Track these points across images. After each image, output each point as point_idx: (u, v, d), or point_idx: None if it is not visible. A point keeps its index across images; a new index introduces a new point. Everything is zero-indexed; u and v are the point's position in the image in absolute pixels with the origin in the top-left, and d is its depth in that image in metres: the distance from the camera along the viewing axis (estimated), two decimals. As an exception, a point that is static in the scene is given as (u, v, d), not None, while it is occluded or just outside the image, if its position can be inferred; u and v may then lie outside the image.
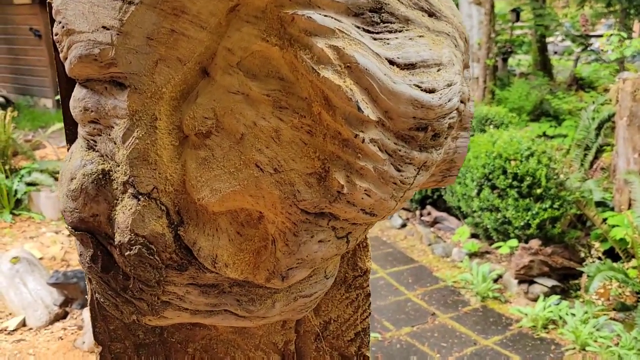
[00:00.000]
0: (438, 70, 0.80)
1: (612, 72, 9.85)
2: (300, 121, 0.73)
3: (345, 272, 1.03)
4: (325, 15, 0.72)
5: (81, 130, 0.80)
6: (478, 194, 5.95)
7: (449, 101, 0.81)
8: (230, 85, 0.74)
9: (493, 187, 5.86)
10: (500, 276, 5.51)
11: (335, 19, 0.72)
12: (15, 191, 6.65)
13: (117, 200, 0.77)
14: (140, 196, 0.74)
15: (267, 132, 0.73)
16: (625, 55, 7.53)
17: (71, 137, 0.85)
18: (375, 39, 0.76)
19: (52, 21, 0.80)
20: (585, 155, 7.01)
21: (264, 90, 0.73)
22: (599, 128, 7.13)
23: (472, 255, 5.98)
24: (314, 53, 0.71)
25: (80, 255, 0.81)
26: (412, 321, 4.85)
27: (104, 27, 0.72)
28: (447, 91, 0.81)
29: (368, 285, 1.06)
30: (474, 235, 6.31)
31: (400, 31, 0.79)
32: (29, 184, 6.80)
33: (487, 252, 6.04)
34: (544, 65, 11.83)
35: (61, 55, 0.78)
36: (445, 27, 0.86)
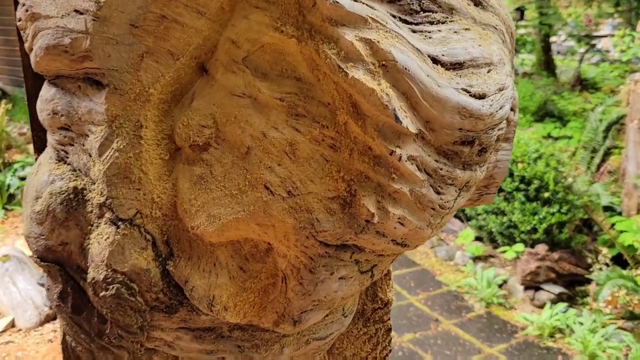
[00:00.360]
0: (488, 71, 0.66)
1: (620, 74, 9.70)
2: (322, 133, 0.58)
3: (364, 304, 0.89)
4: (356, 0, 0.57)
5: (50, 138, 0.66)
6: (483, 196, 5.79)
7: (500, 109, 0.66)
8: (235, 86, 0.59)
9: (499, 190, 5.73)
10: (505, 281, 5.36)
11: (367, 5, 0.58)
12: (9, 186, 6.49)
13: (92, 226, 0.62)
14: (119, 222, 0.60)
15: (279, 146, 0.58)
16: (638, 56, 7.37)
17: (40, 145, 0.70)
18: (414, 31, 0.62)
19: (16, 4, 0.65)
20: (592, 157, 6.86)
21: (277, 93, 0.58)
22: (607, 130, 6.97)
23: (476, 259, 5.84)
24: (341, 47, 0.56)
25: (48, 289, 0.66)
26: (414, 327, 4.71)
27: (76, 11, 0.57)
28: (498, 97, 0.66)
29: (389, 319, 0.91)
30: (477, 239, 6.16)
31: (443, 22, 0.65)
32: (22, 179, 6.63)
33: (492, 256, 5.90)
34: (547, 65, 11.67)
35: (26, 45, 0.64)
36: (492, 19, 0.72)
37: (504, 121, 0.71)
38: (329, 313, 0.73)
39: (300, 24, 0.57)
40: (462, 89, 0.61)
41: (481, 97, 0.63)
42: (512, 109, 0.75)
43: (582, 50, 11.44)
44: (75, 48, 0.58)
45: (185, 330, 0.65)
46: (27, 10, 0.60)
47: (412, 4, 0.62)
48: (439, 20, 0.64)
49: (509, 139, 0.85)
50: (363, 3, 0.58)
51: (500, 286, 5.36)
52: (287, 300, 0.64)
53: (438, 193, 0.65)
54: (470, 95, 0.62)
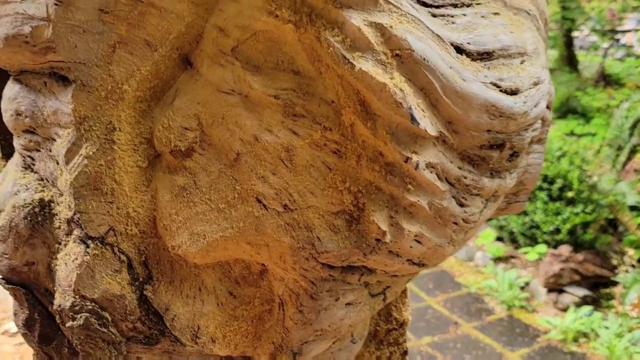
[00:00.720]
0: (522, 63, 0.56)
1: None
2: (323, 136, 0.49)
3: (377, 324, 0.80)
4: (364, -22, 0.48)
5: (16, 143, 0.57)
6: (504, 195, 5.65)
7: (535, 106, 0.57)
8: (222, 81, 0.50)
9: (520, 189, 5.57)
10: (527, 284, 5.21)
11: (378, -16, 0.48)
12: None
13: (60, 244, 0.54)
14: (89, 241, 0.51)
15: (274, 152, 0.49)
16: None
17: (8, 151, 0.62)
18: (435, 15, 0.52)
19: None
20: (617, 155, 6.64)
21: (271, 89, 0.49)
22: (633, 127, 6.75)
23: (496, 260, 5.69)
24: (347, 34, 0.47)
25: (15, 315, 0.58)
26: (433, 330, 4.59)
27: (33, -4, 0.49)
28: (533, 92, 0.56)
29: (404, 341, 0.82)
30: (498, 239, 6.00)
31: (468, 5, 0.55)
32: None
33: (513, 257, 5.74)
34: (570, 61, 11.42)
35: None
36: (524, 3, 0.62)
37: (539, 120, 0.61)
38: (335, 341, 0.64)
39: (298, 6, 0.48)
40: (491, 83, 0.52)
41: (513, 92, 0.54)
42: (547, 107, 0.65)
43: (606, 45, 11.18)
44: (37, 38, 0.50)
45: (169, 362, 0.57)
46: (-15, -4, 0.52)
47: (432, -17, 0.53)
48: (463, 3, 0.55)
49: (542, 140, 0.75)
50: (373, -19, 0.48)
51: (522, 288, 5.21)
52: (285, 330, 0.55)
53: (461, 205, 0.56)
54: (501, 91, 0.53)
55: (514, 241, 5.87)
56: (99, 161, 0.51)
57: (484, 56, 0.52)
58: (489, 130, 0.53)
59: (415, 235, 0.52)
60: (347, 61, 0.46)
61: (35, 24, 0.49)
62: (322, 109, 0.49)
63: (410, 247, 0.53)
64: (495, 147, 0.55)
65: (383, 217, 0.50)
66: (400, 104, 0.46)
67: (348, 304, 0.56)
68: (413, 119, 0.47)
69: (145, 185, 0.53)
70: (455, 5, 0.54)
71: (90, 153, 0.50)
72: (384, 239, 0.50)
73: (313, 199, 0.50)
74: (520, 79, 0.54)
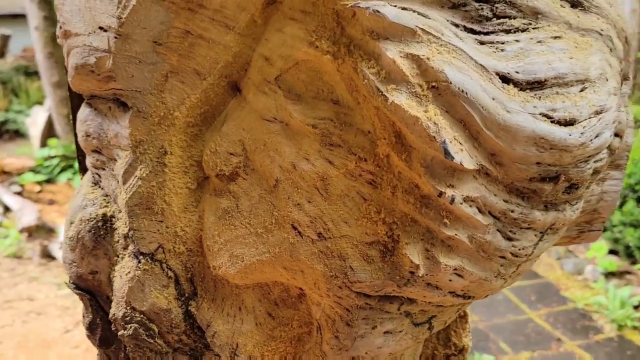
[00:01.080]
0: (581, 90, 0.52)
1: None
2: (359, 166, 0.49)
3: (434, 349, 0.78)
4: (404, 9, 0.47)
5: (87, 160, 0.63)
6: (620, 206, 5.24)
7: (595, 137, 0.53)
8: (265, 109, 0.52)
9: (639, 200, 5.14)
10: (642, 302, 4.81)
11: (418, 13, 0.48)
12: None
13: (118, 257, 0.58)
14: (140, 257, 0.55)
15: (310, 180, 0.50)
16: None
17: (84, 166, 0.68)
18: (482, 43, 0.50)
19: (60, 19, 0.63)
20: None
21: (310, 118, 0.50)
22: None
23: (608, 275, 5.30)
24: (382, 66, 0.46)
25: (83, 317, 0.64)
26: (532, 345, 4.37)
27: (100, 28, 0.53)
28: (594, 122, 0.52)
29: (465, 368, 0.79)
30: (612, 252, 5.59)
31: (524, 30, 0.52)
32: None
33: (628, 273, 5.32)
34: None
35: (65, 63, 0.61)
36: (596, 23, 0.58)
37: (604, 151, 0.57)
38: (380, 365, 0.64)
39: (337, 37, 0.49)
40: (540, 114, 0.49)
41: (568, 123, 0.50)
42: (617, 135, 0.60)
43: None
44: (100, 68, 0.54)
45: (214, 374, 0.59)
46: (60, 28, 0.57)
47: (482, 9, 0.51)
48: (517, 28, 0.52)
49: (620, 166, 0.70)
50: (414, 11, 0.48)
51: (635, 307, 4.81)
52: (322, 353, 0.56)
53: (509, 239, 0.53)
54: (553, 122, 0.50)
55: (629, 255, 5.44)
56: (151, 182, 0.54)
57: (535, 85, 0.50)
58: (538, 163, 0.50)
59: (455, 269, 0.51)
60: (380, 93, 0.46)
61: (99, 55, 0.54)
62: (358, 139, 0.49)
63: (450, 280, 0.52)
64: (547, 180, 0.52)
65: (417, 250, 0.49)
66: (434, 137, 0.45)
67: (387, 332, 0.56)
68: (447, 153, 0.45)
69: (194, 206, 0.56)
70: (507, 31, 0.51)
71: (144, 175, 0.54)
72: (417, 272, 0.49)
73: (347, 229, 0.50)
74: (577, 109, 0.51)
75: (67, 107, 5.57)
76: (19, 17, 7.95)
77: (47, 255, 4.70)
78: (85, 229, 0.58)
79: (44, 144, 6.16)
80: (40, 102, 7.08)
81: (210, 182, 0.55)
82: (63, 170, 5.90)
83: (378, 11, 0.46)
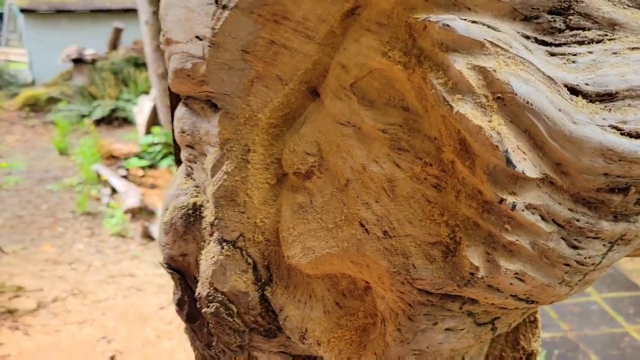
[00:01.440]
0: (656, 103, 0.52)
1: None
2: (424, 170, 0.52)
3: (502, 351, 0.79)
4: (474, 22, 0.50)
5: (182, 154, 0.70)
6: None
7: (670, 150, 0.52)
8: (340, 113, 0.56)
9: None
10: None
11: (488, 27, 0.50)
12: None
13: (204, 242, 0.65)
14: (224, 243, 0.61)
15: (378, 181, 0.54)
16: None
17: (179, 158, 0.75)
18: (553, 55, 0.51)
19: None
20: None
21: (380, 124, 0.53)
22: None
23: None
24: (450, 76, 0.49)
25: (174, 294, 0.71)
26: (628, 360, 4.14)
27: (197, 37, 0.60)
28: (668, 135, 0.52)
29: (533, 372, 0.80)
30: None
31: (598, 42, 0.53)
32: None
33: None
34: None
35: (167, 66, 0.68)
36: (681, 32, 0.56)
37: (681, 164, 0.56)
38: (443, 361, 0.66)
39: (409, 49, 0.52)
40: (610, 126, 0.49)
41: (638, 136, 0.50)
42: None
43: None
44: (195, 72, 0.60)
45: (285, 355, 0.65)
46: (164, 36, 0.64)
47: (554, 21, 0.52)
48: (592, 40, 0.53)
49: None
50: (484, 24, 0.50)
51: None
52: (385, 344, 0.59)
53: (574, 247, 0.54)
54: (623, 134, 0.50)
55: None
56: (235, 177, 0.60)
57: (605, 97, 0.50)
58: (606, 174, 0.50)
59: (516, 273, 0.53)
60: (447, 103, 0.48)
61: (195, 62, 0.60)
62: (425, 145, 0.52)
63: (511, 283, 0.53)
64: (616, 191, 0.52)
65: (477, 253, 0.51)
66: (496, 146, 0.47)
67: (448, 329, 0.58)
68: (509, 162, 0.47)
69: (273, 200, 0.61)
70: (580, 43, 0.52)
71: (229, 170, 0.60)
72: (477, 274, 0.51)
73: (411, 229, 0.53)
74: (650, 121, 0.51)
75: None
76: (130, 12, 8.47)
77: (147, 236, 5.03)
78: (177, 215, 0.65)
79: (148, 131, 6.57)
80: (146, 92, 7.54)
81: (288, 179, 0.60)
82: (164, 156, 6.27)
83: (448, 25, 0.48)
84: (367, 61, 0.54)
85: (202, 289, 0.62)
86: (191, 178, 0.68)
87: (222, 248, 0.61)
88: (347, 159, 0.55)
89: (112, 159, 6.34)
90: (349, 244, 0.55)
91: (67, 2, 9.09)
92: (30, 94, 7.72)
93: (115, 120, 7.68)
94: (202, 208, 0.65)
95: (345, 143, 0.55)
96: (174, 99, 0.74)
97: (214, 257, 0.61)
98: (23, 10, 8.91)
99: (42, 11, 8.93)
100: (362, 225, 0.54)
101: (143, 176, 6.12)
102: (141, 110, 6.91)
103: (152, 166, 6.35)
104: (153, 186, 6.04)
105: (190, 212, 0.65)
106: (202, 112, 0.64)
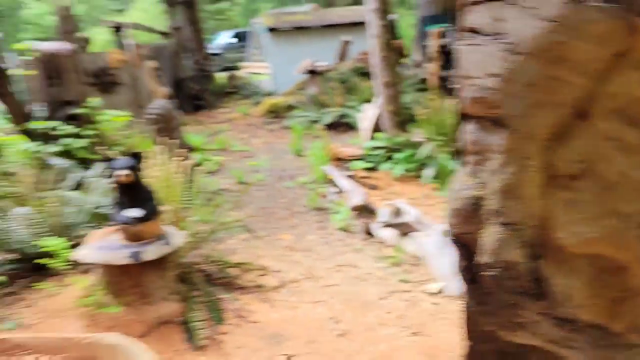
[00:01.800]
0: None
1: None
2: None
3: None
4: None
5: (468, 158, 0.93)
6: None
7: None
8: (607, 130, 0.74)
9: None
10: None
11: None
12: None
13: (482, 224, 0.87)
14: (504, 226, 0.83)
15: (635, 185, 0.71)
16: None
17: (459, 158, 0.99)
18: None
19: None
20: None
21: (640, 140, 0.70)
22: None
23: None
24: None
25: (459, 262, 0.95)
26: None
27: (491, 75, 0.82)
28: None
29: None
30: None
31: None
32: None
33: None
34: None
35: (459, 93, 0.93)
36: None
37: None
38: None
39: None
40: None
41: None
42: None
43: None
44: (489, 100, 0.83)
45: (546, 316, 0.84)
46: (459, 72, 0.89)
47: None
48: None
49: None
50: None
51: None
52: (634, 316, 0.75)
53: None
54: None
55: None
56: (516, 177, 0.81)
57: None
58: None
59: None
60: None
61: (489, 92, 0.83)
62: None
63: None
64: None
65: None
66: None
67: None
68: None
69: (543, 195, 0.81)
70: None
71: (512, 171, 0.82)
72: None
73: (662, 222, 0.69)
74: None
75: (393, 104, 6.22)
76: (358, 25, 9.08)
77: (368, 233, 5.42)
78: (464, 204, 0.89)
79: (371, 136, 7.02)
80: (368, 100, 8.05)
81: (556, 180, 0.80)
82: (385, 160, 6.65)
83: None
84: (632, 91, 0.71)
85: (485, 258, 0.85)
86: (475, 176, 0.91)
87: (504, 229, 0.83)
88: (612, 166, 0.73)
89: (338, 160, 6.92)
90: (610, 231, 0.73)
91: (303, 20, 10.18)
92: (272, 102, 8.82)
93: (340, 125, 8.33)
94: (482, 199, 0.88)
95: (609, 154, 0.73)
96: (461, 118, 0.98)
97: (496, 235, 0.84)
98: (271, 29, 10.21)
99: (284, 29, 10.13)
100: (622, 217, 0.72)
101: (365, 177, 6.57)
102: (365, 116, 7.40)
103: (373, 169, 6.77)
104: (373, 187, 6.44)
105: (473, 201, 0.88)
106: (487, 128, 0.86)
